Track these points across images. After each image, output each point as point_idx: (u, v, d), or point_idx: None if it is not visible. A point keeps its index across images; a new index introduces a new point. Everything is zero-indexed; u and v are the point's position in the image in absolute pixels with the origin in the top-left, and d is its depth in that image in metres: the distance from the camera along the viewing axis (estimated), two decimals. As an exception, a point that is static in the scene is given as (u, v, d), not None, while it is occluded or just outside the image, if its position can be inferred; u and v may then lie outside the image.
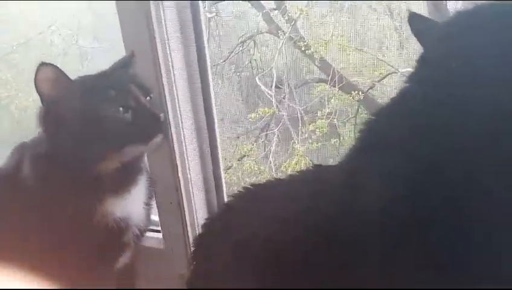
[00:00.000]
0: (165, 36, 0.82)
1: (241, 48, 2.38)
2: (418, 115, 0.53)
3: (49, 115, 0.73)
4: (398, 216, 0.51)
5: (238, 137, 2.31)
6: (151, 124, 0.73)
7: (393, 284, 0.50)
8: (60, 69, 0.71)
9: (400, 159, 0.53)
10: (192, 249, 0.72)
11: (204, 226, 0.73)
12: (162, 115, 0.73)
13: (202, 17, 0.85)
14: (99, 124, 0.70)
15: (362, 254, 0.52)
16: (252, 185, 0.70)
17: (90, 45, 2.39)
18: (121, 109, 0.71)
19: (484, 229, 0.48)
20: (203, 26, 0.86)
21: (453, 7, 2.10)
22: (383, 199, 0.52)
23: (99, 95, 0.72)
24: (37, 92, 0.72)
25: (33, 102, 2.25)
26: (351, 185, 0.56)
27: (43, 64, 0.70)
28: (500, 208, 0.48)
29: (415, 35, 0.62)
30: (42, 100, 0.73)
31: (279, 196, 0.65)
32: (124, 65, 0.80)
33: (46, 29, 2.22)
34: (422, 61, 0.59)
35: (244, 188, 0.69)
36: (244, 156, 2.23)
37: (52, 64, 0.70)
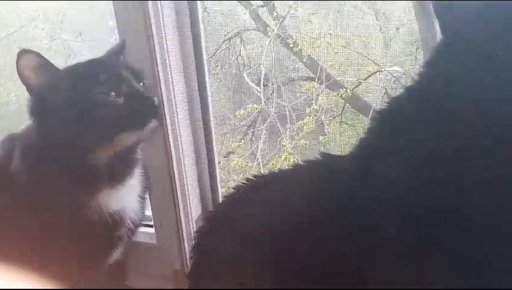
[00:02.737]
0: (161, 24, 0.80)
1: (227, 45, 2.36)
2: (433, 102, 0.53)
3: (37, 104, 0.70)
4: (414, 205, 0.50)
5: (225, 134, 2.29)
6: (145, 108, 0.70)
7: (407, 273, 0.49)
8: (43, 56, 0.68)
9: (415, 148, 0.52)
10: (195, 241, 0.70)
11: (208, 218, 0.71)
12: (156, 98, 0.71)
13: (199, 8, 0.83)
14: (90, 110, 0.67)
15: (377, 239, 0.51)
16: (255, 176, 0.68)
17: (74, 40, 2.34)
18: (112, 93, 0.68)
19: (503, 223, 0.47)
20: (200, 17, 0.84)
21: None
22: (399, 188, 0.51)
23: (89, 80, 0.69)
24: (21, 80, 0.68)
25: (14, 97, 2.19)
26: (366, 173, 0.55)
27: (23, 51, 0.66)
28: None
29: (437, 17, 0.59)
30: (27, 89, 0.69)
31: (286, 187, 0.64)
32: (116, 53, 0.78)
33: (28, 23, 2.15)
34: (440, 46, 0.57)
35: (247, 179, 0.67)
36: (231, 152, 2.22)
37: (33, 51, 0.67)
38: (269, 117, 2.07)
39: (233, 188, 0.69)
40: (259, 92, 2.02)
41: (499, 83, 0.50)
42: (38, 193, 0.72)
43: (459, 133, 0.51)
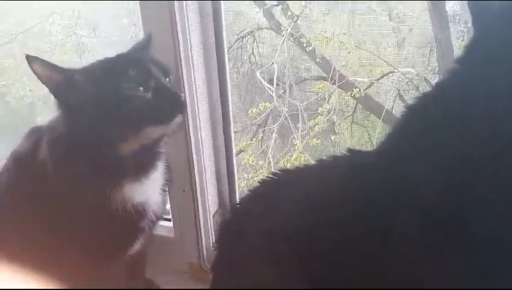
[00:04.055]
0: (186, 22, 0.82)
1: (240, 44, 2.39)
2: (465, 100, 0.54)
3: (59, 99, 0.72)
4: (440, 204, 0.52)
5: (236, 132, 2.32)
6: (171, 104, 0.72)
7: (432, 272, 0.51)
8: (45, 61, 0.70)
9: (444, 145, 0.53)
10: (218, 233, 0.72)
11: (232, 211, 0.73)
12: (182, 94, 0.73)
13: (222, 8, 0.85)
14: (119, 104, 0.69)
15: (400, 239, 0.53)
16: (280, 170, 0.69)
17: (89, 37, 2.37)
18: (141, 88, 0.71)
19: None
20: (223, 17, 0.86)
21: (451, 8, 2.14)
22: (425, 183, 0.53)
23: (118, 75, 0.71)
24: (41, 80, 0.70)
25: (30, 92, 2.23)
26: (390, 168, 0.57)
27: (29, 57, 0.68)
28: None
29: (471, 14, 0.59)
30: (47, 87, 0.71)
31: (309, 182, 0.65)
32: (142, 47, 0.80)
33: (45, 19, 2.19)
34: (474, 43, 0.58)
35: (273, 173, 0.69)
36: (242, 151, 2.24)
37: (37, 58, 0.69)
38: (281, 116, 2.09)
39: (258, 182, 0.70)
40: (272, 90, 2.04)
41: None
42: (65, 183, 0.75)
43: (486, 134, 0.52)
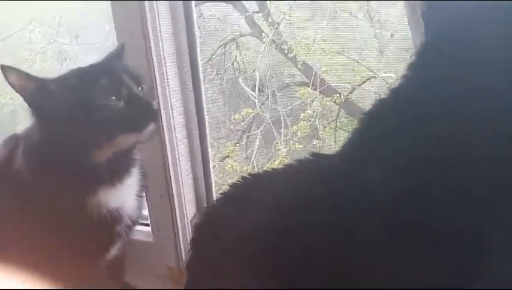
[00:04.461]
0: (158, 30, 0.85)
1: (223, 50, 2.42)
2: (418, 105, 0.56)
3: (33, 108, 0.75)
4: (398, 205, 0.54)
5: (220, 138, 2.34)
6: (144, 112, 0.75)
7: (394, 274, 0.54)
8: (21, 71, 0.73)
9: (400, 149, 0.56)
10: (192, 235, 0.75)
11: (204, 213, 0.75)
12: (154, 102, 0.76)
13: (194, 13, 0.89)
14: (91, 113, 0.72)
15: (363, 243, 0.55)
16: (250, 175, 0.72)
17: (70, 44, 2.38)
18: (113, 97, 0.73)
19: (485, 221, 0.52)
20: (195, 21, 0.89)
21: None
22: (384, 188, 0.55)
23: (90, 84, 0.74)
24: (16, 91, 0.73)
25: (10, 100, 2.23)
26: (352, 173, 0.59)
27: (4, 67, 0.71)
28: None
29: (424, 21, 0.62)
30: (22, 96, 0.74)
31: (278, 185, 0.67)
32: (115, 57, 0.82)
33: (25, 26, 2.20)
34: (425, 48, 0.60)
35: (242, 177, 0.71)
36: (227, 156, 2.26)
37: (12, 68, 0.72)
38: (264, 122, 2.12)
39: (229, 185, 0.73)
40: (255, 97, 2.07)
41: (482, 86, 0.53)
42: (40, 190, 0.77)
43: (442, 137, 0.54)
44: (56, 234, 0.77)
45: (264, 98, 2.26)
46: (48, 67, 2.29)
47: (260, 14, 2.21)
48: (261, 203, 0.66)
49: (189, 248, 0.73)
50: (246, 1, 2.24)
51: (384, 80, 2.22)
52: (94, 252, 0.84)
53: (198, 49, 0.91)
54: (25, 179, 0.78)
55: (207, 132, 0.98)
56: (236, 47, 2.45)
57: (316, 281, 0.60)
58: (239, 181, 0.72)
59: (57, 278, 0.80)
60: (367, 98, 2.25)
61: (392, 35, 2.33)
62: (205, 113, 0.97)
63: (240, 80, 2.17)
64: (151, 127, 0.77)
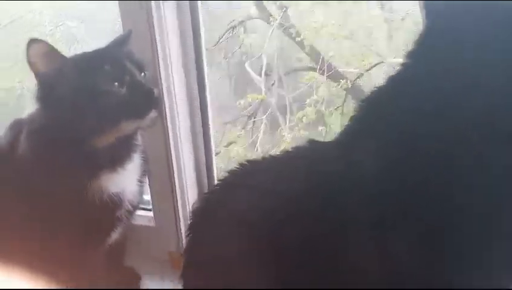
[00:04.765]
0: (163, 16, 0.85)
1: (230, 34, 2.40)
2: (415, 93, 0.57)
3: (44, 90, 0.75)
4: (391, 192, 0.56)
5: (226, 124, 2.34)
6: (145, 99, 0.75)
7: (385, 258, 0.55)
8: (51, 45, 0.73)
9: (395, 137, 0.57)
10: (190, 220, 0.76)
11: (203, 199, 0.77)
12: (156, 90, 0.76)
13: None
14: (95, 99, 0.73)
15: (357, 228, 0.57)
16: (248, 161, 0.73)
17: (78, 28, 2.39)
18: (116, 83, 0.74)
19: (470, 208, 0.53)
20: (199, 8, 0.89)
21: None
22: (376, 176, 0.57)
23: (94, 70, 0.74)
24: (30, 68, 0.73)
25: (18, 83, 2.24)
26: (348, 160, 0.60)
27: (33, 40, 0.71)
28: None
29: (426, 10, 0.62)
30: (35, 76, 0.74)
31: (276, 172, 0.68)
32: (120, 43, 0.82)
33: (34, 9, 2.21)
34: (424, 37, 0.60)
35: (241, 164, 0.72)
36: (232, 142, 2.27)
37: (42, 40, 0.72)
38: (270, 107, 2.12)
39: (227, 172, 0.74)
40: (261, 82, 2.07)
41: (480, 78, 0.54)
42: (43, 175, 0.78)
43: (437, 127, 0.55)
44: (57, 218, 0.78)
45: (271, 84, 2.25)
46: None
47: (270, -2, 2.19)
48: (259, 190, 0.68)
49: (187, 233, 0.74)
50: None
51: (392, 65, 2.19)
52: (95, 236, 0.85)
53: (202, 34, 0.91)
54: (28, 164, 0.79)
55: (210, 118, 0.98)
56: (244, 30, 2.43)
57: (310, 266, 0.61)
58: (237, 168, 0.72)
59: (58, 262, 0.82)
60: (375, 84, 2.23)
61: (402, 19, 2.29)
62: (208, 100, 0.96)
63: (246, 64, 2.17)
64: (153, 114, 0.77)
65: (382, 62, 2.26)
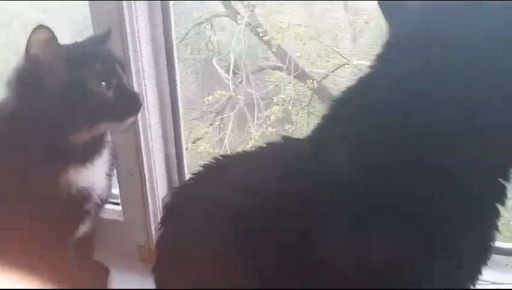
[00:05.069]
0: (133, 13, 0.86)
1: (197, 30, 2.39)
2: (382, 95, 0.60)
3: (29, 77, 0.73)
4: (362, 187, 0.59)
5: (193, 120, 2.34)
6: (130, 104, 0.77)
7: (358, 255, 0.58)
8: (54, 33, 0.72)
9: (364, 134, 0.61)
10: (162, 214, 0.77)
11: (175, 193, 0.78)
12: (141, 96, 0.78)
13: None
14: (82, 96, 0.72)
15: (328, 224, 0.60)
16: (222, 156, 0.75)
17: (37, 17, 2.31)
18: (103, 84, 0.74)
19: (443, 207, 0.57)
20: (171, 4, 0.90)
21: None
22: (348, 171, 0.59)
23: (86, 66, 0.74)
24: (26, 52, 0.72)
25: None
26: (319, 157, 0.63)
27: (40, 26, 0.71)
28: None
29: (383, 12, 0.66)
30: (27, 60, 0.73)
31: (249, 167, 0.70)
32: (102, 40, 0.82)
33: (-11, -3, 2.12)
34: (391, 41, 0.64)
35: (214, 158, 0.74)
36: (199, 139, 2.27)
37: (47, 27, 0.71)
38: (238, 105, 2.14)
39: (200, 166, 0.75)
40: (228, 79, 2.08)
41: (448, 80, 0.57)
42: (9, 167, 0.77)
43: (403, 125, 0.58)
44: (26, 210, 0.78)
45: (238, 81, 2.27)
46: (14, 42, 2.23)
47: (236, -4, 2.20)
48: (231, 184, 0.69)
49: (159, 226, 0.76)
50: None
51: (357, 66, 2.26)
52: (63, 228, 0.85)
53: (173, 31, 0.92)
54: None
55: (181, 114, 0.99)
56: (211, 27, 2.43)
57: (283, 262, 0.63)
58: (211, 162, 0.74)
59: (26, 254, 0.81)
60: (340, 85, 2.30)
61: (366, 22, 2.37)
62: (178, 94, 0.98)
63: (214, 61, 2.17)
64: (133, 118, 0.79)
65: (347, 64, 2.33)
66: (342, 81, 2.29)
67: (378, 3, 0.66)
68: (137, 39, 0.88)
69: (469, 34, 0.58)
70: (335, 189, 0.61)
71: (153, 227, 1.01)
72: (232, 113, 2.17)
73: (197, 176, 0.75)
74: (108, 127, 0.78)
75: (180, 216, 0.73)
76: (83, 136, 0.77)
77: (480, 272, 0.61)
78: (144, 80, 0.91)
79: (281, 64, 2.26)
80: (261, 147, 0.73)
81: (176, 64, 0.96)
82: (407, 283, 0.58)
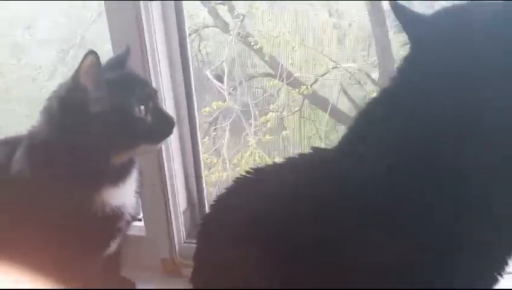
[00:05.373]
0: (152, 32, 0.90)
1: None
2: (407, 106, 0.65)
3: (74, 104, 0.75)
4: (391, 200, 0.63)
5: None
6: (166, 126, 0.82)
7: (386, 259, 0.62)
8: (99, 59, 0.74)
9: (389, 145, 0.65)
10: (199, 227, 0.80)
11: (211, 207, 0.81)
12: (175, 119, 0.82)
13: (185, 16, 0.94)
14: (126, 120, 0.76)
15: (359, 235, 0.64)
16: (253, 169, 0.78)
17: (22, 36, 2.31)
18: (142, 108, 0.78)
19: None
20: (186, 25, 0.95)
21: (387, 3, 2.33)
22: (379, 183, 0.64)
23: (127, 91, 0.78)
24: (74, 80, 0.74)
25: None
26: (345, 166, 0.68)
27: (91, 52, 0.73)
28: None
29: (404, 28, 0.69)
30: (74, 87, 0.75)
31: (280, 179, 0.74)
32: (124, 60, 0.84)
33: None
34: (411, 55, 0.67)
35: (246, 171, 0.78)
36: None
37: (95, 52, 0.74)
38: (233, 114, 2.19)
39: (233, 180, 0.79)
40: (223, 89, 2.13)
41: (465, 94, 0.60)
42: (44, 191, 0.79)
43: (426, 137, 0.62)
44: (60, 230, 0.79)
45: (231, 89, 2.32)
46: (2, 62, 2.22)
47: (225, 7, 2.25)
48: (263, 195, 0.73)
49: (196, 239, 0.80)
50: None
51: (345, 69, 2.34)
52: (96, 247, 0.88)
53: (189, 48, 0.97)
54: (25, 182, 0.80)
55: (198, 129, 1.04)
56: (200, 38, 2.48)
57: (310, 266, 0.67)
58: (242, 175, 0.78)
59: (60, 276, 0.84)
60: (330, 88, 2.37)
61: (350, 25, 2.45)
62: (196, 112, 1.02)
63: (208, 72, 2.22)
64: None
65: (336, 67, 2.40)
66: (331, 84, 2.37)
67: (396, 16, 0.69)
68: (157, 60, 0.92)
69: (480, 37, 0.61)
70: (359, 198, 0.65)
71: (176, 240, 1.05)
72: (227, 122, 2.21)
73: (230, 189, 0.79)
74: (146, 149, 0.82)
75: (216, 228, 0.77)
76: (121, 158, 0.80)
77: (507, 263, 0.65)
78: (164, 97, 0.95)
79: (273, 72, 2.32)
80: (290, 158, 0.77)
81: (193, 83, 1.00)
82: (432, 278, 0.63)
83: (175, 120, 0.82)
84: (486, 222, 0.62)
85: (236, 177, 0.79)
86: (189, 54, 0.98)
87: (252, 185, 0.77)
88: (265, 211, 0.71)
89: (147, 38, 0.89)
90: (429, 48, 0.66)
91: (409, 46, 0.69)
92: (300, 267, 0.68)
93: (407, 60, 0.69)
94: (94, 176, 0.79)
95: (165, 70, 0.96)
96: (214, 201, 0.79)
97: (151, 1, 0.88)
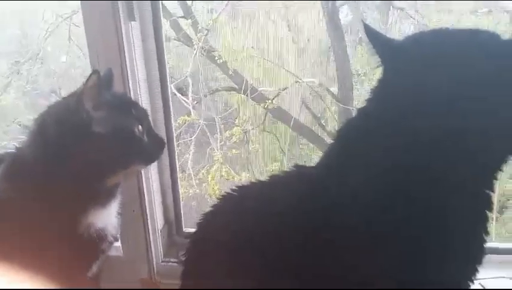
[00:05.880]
0: (132, 51, 0.93)
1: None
2: (381, 126, 0.70)
3: (73, 125, 0.75)
4: (372, 215, 0.67)
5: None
6: (158, 147, 0.84)
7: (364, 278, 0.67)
8: (101, 78, 0.75)
9: (370, 162, 0.70)
10: (187, 246, 0.83)
11: (197, 226, 0.83)
12: (165, 139, 0.85)
13: (163, 32, 0.98)
14: (126, 140, 0.78)
15: (339, 250, 0.68)
16: (237, 187, 0.82)
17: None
18: (140, 128, 0.80)
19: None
20: (163, 40, 0.98)
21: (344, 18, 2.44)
22: (359, 201, 0.68)
23: (126, 111, 0.80)
24: (80, 98, 0.74)
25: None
26: (328, 181, 0.72)
27: (95, 71, 0.74)
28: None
29: (377, 52, 0.73)
30: (78, 109, 0.75)
31: (265, 196, 0.78)
32: (109, 83, 0.85)
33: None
34: (383, 78, 0.73)
35: (232, 189, 0.81)
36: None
37: (99, 72, 0.75)
38: (198, 128, 2.21)
39: (217, 198, 0.82)
40: (188, 103, 2.15)
41: (438, 116, 0.64)
42: (29, 210, 0.78)
43: (397, 155, 0.67)
44: (46, 252, 0.79)
45: (195, 103, 2.34)
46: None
47: (188, 21, 2.28)
48: (250, 213, 0.76)
49: (184, 257, 0.83)
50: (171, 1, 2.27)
51: (307, 84, 2.43)
52: (79, 270, 0.88)
53: (167, 67, 1.00)
54: (6, 202, 0.79)
55: (175, 146, 1.07)
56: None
57: (298, 282, 0.70)
58: (227, 193, 0.82)
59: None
60: (292, 102, 2.45)
61: (308, 40, 2.55)
62: (173, 129, 1.05)
63: (172, 86, 2.23)
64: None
65: (297, 81, 2.49)
66: (292, 98, 2.45)
67: (368, 39, 0.73)
68: (137, 78, 0.94)
69: (450, 60, 0.66)
70: (349, 218, 0.68)
71: (154, 259, 1.07)
72: (192, 137, 2.23)
73: (216, 208, 0.82)
74: (137, 169, 0.84)
75: (203, 247, 0.80)
76: (116, 179, 0.82)
77: (476, 271, 0.71)
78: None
79: (235, 86, 2.37)
80: (274, 176, 0.81)
81: (170, 101, 1.03)
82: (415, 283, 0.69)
83: (165, 140, 0.85)
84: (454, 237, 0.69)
85: (222, 195, 0.82)
86: (167, 74, 1.02)
87: (236, 203, 0.80)
88: (250, 229, 0.74)
89: (127, 60, 0.92)
90: (401, 71, 0.71)
91: (381, 68, 0.74)
92: (288, 282, 0.71)
93: (380, 81, 0.74)
94: (86, 197, 0.80)
95: (144, 92, 0.99)
96: (200, 220, 0.82)
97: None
